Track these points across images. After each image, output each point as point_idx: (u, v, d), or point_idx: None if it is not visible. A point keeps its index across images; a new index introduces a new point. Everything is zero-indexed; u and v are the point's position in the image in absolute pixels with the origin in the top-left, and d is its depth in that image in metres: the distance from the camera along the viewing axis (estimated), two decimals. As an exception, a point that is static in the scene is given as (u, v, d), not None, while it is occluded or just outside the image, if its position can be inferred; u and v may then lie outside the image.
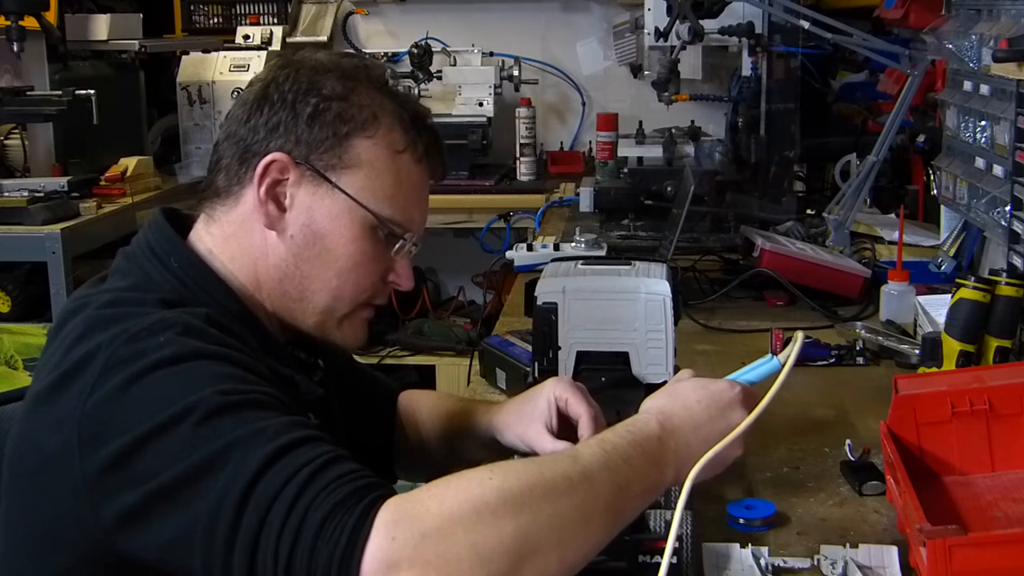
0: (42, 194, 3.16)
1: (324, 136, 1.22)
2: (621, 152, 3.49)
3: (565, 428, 1.36)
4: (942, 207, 2.54)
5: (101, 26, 3.83)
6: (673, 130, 3.62)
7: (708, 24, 2.66)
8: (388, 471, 1.56)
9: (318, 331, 1.29)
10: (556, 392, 1.37)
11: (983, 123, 2.22)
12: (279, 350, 1.27)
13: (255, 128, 1.24)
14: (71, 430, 1.05)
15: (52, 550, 1.10)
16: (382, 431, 1.55)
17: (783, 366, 1.29)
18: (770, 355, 1.32)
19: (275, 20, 4.29)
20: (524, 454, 1.37)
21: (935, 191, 2.66)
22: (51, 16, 3.44)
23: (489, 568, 0.93)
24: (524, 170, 4.02)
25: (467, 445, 1.47)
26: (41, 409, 1.11)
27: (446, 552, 0.92)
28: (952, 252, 2.49)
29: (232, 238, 1.26)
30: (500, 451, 1.43)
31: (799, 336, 1.29)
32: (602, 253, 2.57)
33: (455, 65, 4.16)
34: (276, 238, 1.24)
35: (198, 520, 0.97)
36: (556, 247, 2.63)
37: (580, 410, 1.35)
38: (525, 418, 1.38)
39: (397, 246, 1.28)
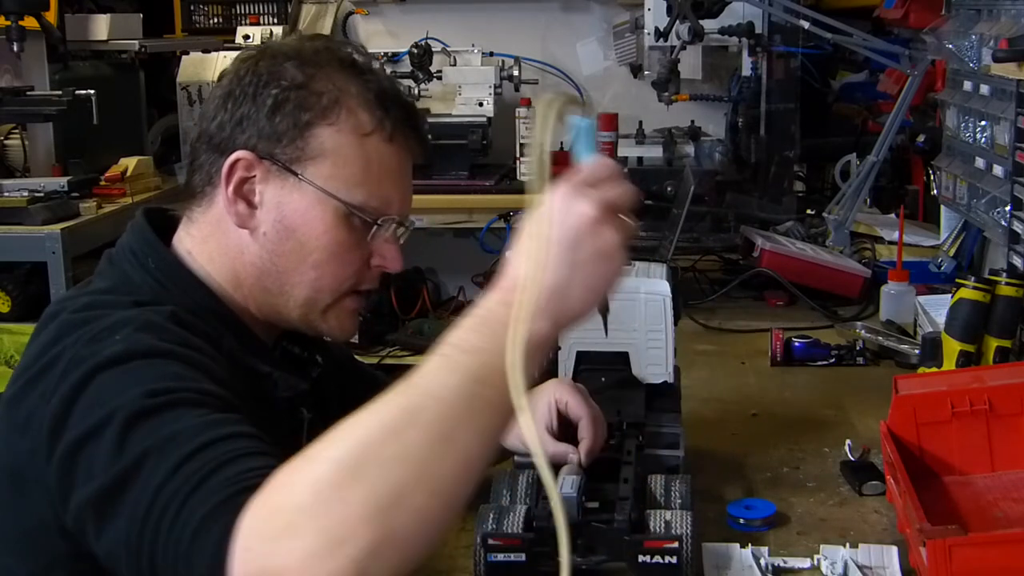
0: (42, 194, 3.16)
1: (286, 128, 1.20)
2: (621, 152, 3.49)
3: (566, 430, 1.36)
4: (942, 207, 2.54)
5: (101, 26, 3.83)
6: (673, 130, 3.62)
7: (708, 24, 2.66)
8: None
9: (304, 324, 1.27)
10: (556, 395, 1.37)
11: (983, 123, 2.21)
12: (259, 347, 1.25)
13: (222, 124, 1.22)
14: (38, 430, 1.06)
15: (36, 548, 1.10)
16: None
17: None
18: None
19: (275, 20, 4.28)
20: (524, 455, 1.37)
21: (935, 191, 2.66)
22: (51, 16, 3.44)
23: (349, 547, 0.83)
24: (524, 170, 4.01)
25: None
26: (12, 412, 1.12)
27: (299, 549, 0.83)
28: (952, 252, 2.49)
29: (210, 238, 1.25)
30: (500, 452, 1.43)
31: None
32: (602, 253, 2.56)
33: (455, 65, 4.16)
34: (249, 236, 1.22)
35: (119, 534, 0.96)
36: (556, 247, 2.62)
37: (580, 412, 1.35)
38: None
39: (375, 231, 1.24)
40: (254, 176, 1.20)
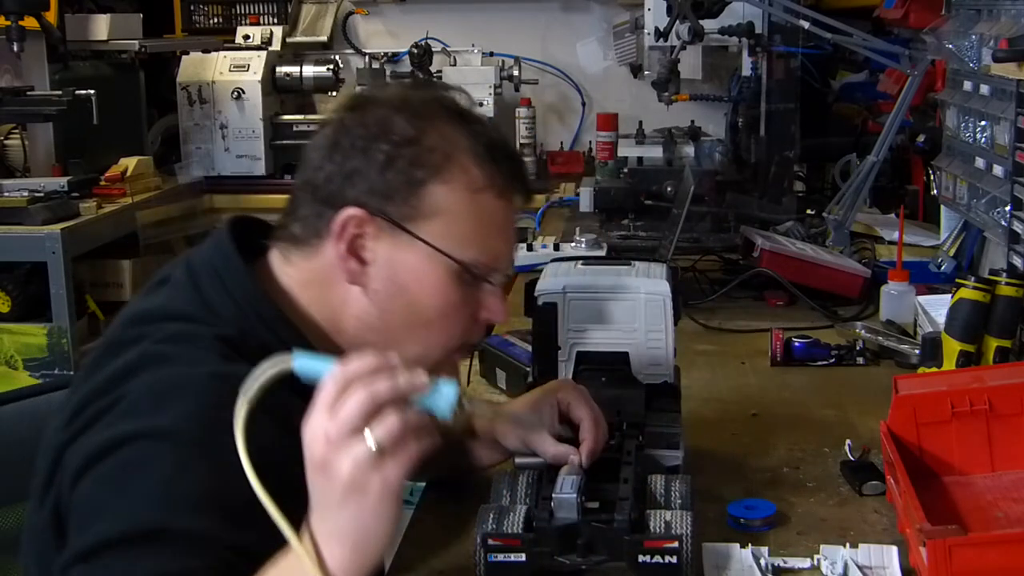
0: (42, 194, 3.16)
1: (398, 185, 1.16)
2: (621, 152, 3.49)
3: (567, 431, 1.36)
4: (942, 207, 2.54)
5: (101, 26, 3.83)
6: (673, 130, 3.62)
7: (708, 24, 2.66)
8: None
9: None
10: (559, 396, 1.37)
11: (983, 123, 2.22)
12: None
13: (330, 176, 1.18)
14: (71, 458, 1.07)
15: (47, 560, 1.11)
16: None
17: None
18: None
19: (275, 20, 4.29)
20: (525, 456, 1.37)
21: (935, 191, 2.66)
22: (51, 16, 3.44)
23: None
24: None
25: (470, 447, 1.47)
26: (68, 423, 1.11)
27: None
28: (952, 252, 2.49)
29: (310, 285, 1.21)
30: (503, 452, 1.43)
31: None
32: (602, 253, 2.57)
33: (455, 65, 4.16)
34: (359, 292, 1.19)
35: None
36: (556, 247, 2.63)
37: (582, 414, 1.35)
38: (527, 423, 1.38)
39: (485, 286, 1.22)
40: (366, 233, 1.17)
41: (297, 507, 0.98)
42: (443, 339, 1.22)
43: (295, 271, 1.22)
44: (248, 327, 1.16)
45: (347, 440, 0.92)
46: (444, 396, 0.97)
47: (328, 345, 1.20)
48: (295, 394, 1.08)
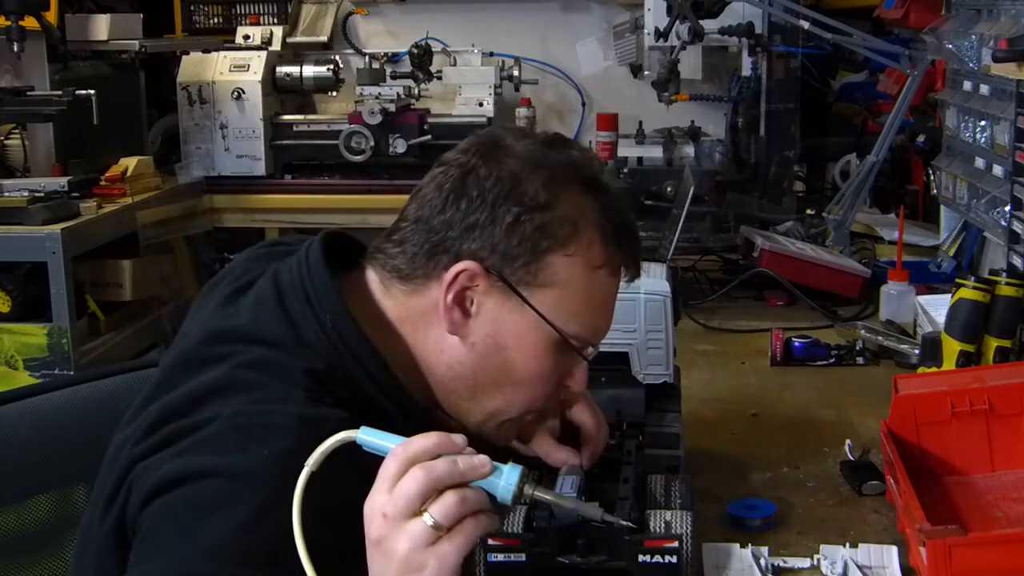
0: (42, 194, 3.16)
1: (522, 250, 1.14)
2: (621, 152, 3.49)
3: (568, 433, 1.36)
4: (942, 207, 2.54)
5: (101, 26, 3.83)
6: (673, 130, 3.62)
7: (708, 24, 2.66)
8: None
9: (476, 428, 1.21)
10: (560, 397, 1.37)
11: (983, 123, 2.22)
12: (417, 415, 1.19)
13: (450, 222, 1.15)
14: (139, 473, 1.06)
15: (106, 570, 1.10)
16: None
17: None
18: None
19: (275, 20, 4.29)
20: (524, 457, 1.37)
21: (935, 191, 2.66)
22: (51, 16, 3.44)
23: None
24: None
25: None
26: (143, 438, 1.09)
27: None
28: (952, 252, 2.49)
29: (407, 322, 1.19)
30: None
31: None
32: (602, 253, 2.56)
33: (455, 65, 4.16)
34: (457, 342, 1.17)
35: None
36: (556, 247, 2.63)
37: (583, 418, 1.34)
38: (529, 425, 1.38)
39: (578, 357, 1.21)
40: (476, 286, 1.15)
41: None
42: (527, 401, 1.21)
43: (393, 304, 1.19)
44: (336, 359, 1.14)
45: (405, 518, 0.93)
46: (506, 479, 0.97)
47: (415, 380, 1.19)
48: (392, 402, 1.13)
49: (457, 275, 1.14)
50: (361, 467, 0.99)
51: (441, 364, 1.19)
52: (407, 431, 1.02)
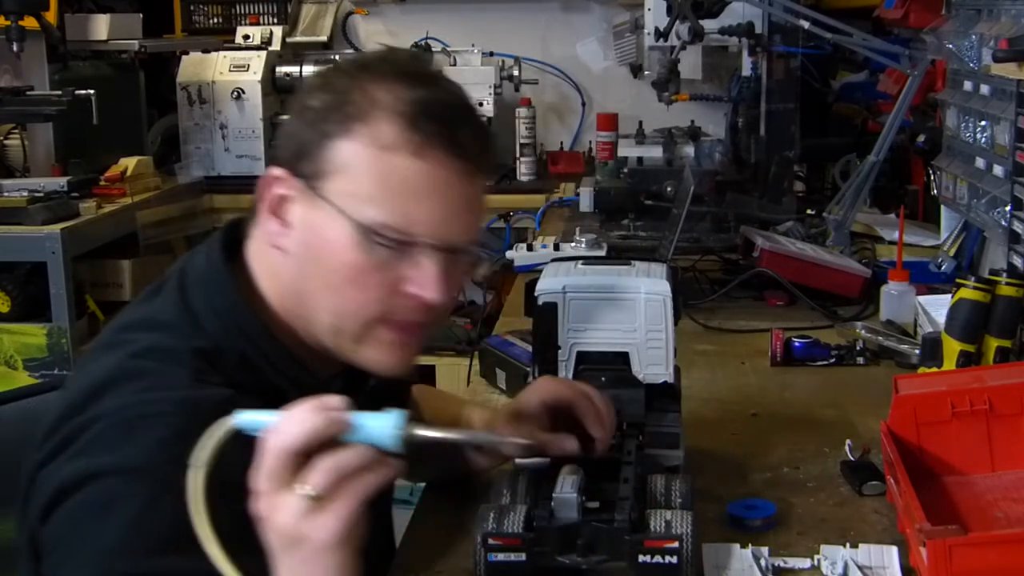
0: (42, 194, 3.16)
1: (311, 140, 1.13)
2: (621, 152, 3.49)
3: (568, 422, 1.35)
4: (942, 207, 2.54)
5: (101, 26, 3.83)
6: (673, 130, 3.62)
7: (708, 24, 2.66)
8: None
9: (341, 354, 1.19)
10: (542, 394, 1.36)
11: (983, 123, 2.22)
12: (315, 392, 1.15)
13: (277, 139, 1.18)
14: (39, 482, 1.07)
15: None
16: None
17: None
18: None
19: (275, 20, 4.29)
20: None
21: (935, 191, 2.66)
22: (51, 16, 3.44)
23: None
24: (524, 170, 4.02)
25: (467, 454, 1.47)
26: (45, 439, 1.11)
27: None
28: (952, 252, 2.49)
29: (259, 257, 1.20)
30: (501, 456, 1.43)
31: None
32: (602, 253, 2.57)
33: (455, 65, 4.16)
34: (282, 257, 1.17)
35: None
36: (556, 247, 2.63)
37: (567, 394, 1.33)
38: (520, 425, 1.37)
39: (401, 254, 1.14)
40: (289, 194, 1.15)
41: None
42: (354, 308, 1.15)
43: (254, 246, 1.21)
44: (228, 338, 1.15)
45: (276, 493, 0.92)
46: (383, 426, 0.94)
47: (290, 337, 1.18)
48: (283, 376, 1.13)
49: (267, 184, 1.15)
50: (252, 441, 0.99)
51: (284, 288, 1.18)
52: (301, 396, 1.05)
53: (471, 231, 1.18)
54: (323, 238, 1.13)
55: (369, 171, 1.12)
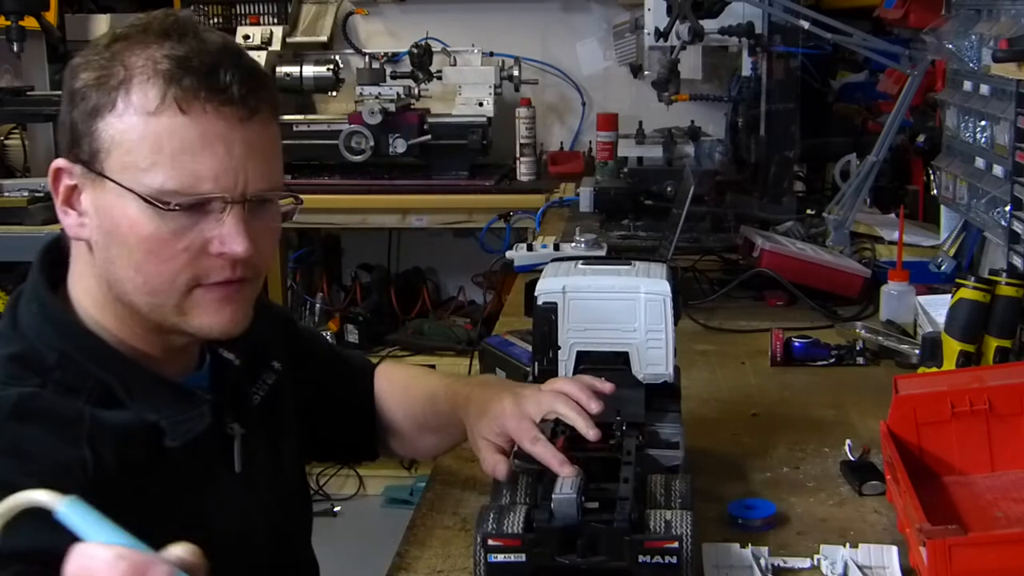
0: (42, 194, 3.16)
1: (81, 122, 1.12)
2: (621, 152, 3.49)
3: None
4: (942, 207, 2.54)
5: (101, 26, 3.83)
6: (673, 130, 3.62)
7: (708, 24, 2.66)
8: (370, 452, 1.57)
9: (174, 329, 1.17)
10: (506, 429, 1.34)
11: (983, 123, 2.22)
12: (149, 386, 1.17)
13: (59, 130, 1.16)
14: None
15: None
16: (366, 414, 1.54)
17: None
18: None
19: (275, 20, 4.29)
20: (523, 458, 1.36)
21: (935, 191, 2.66)
22: (51, 16, 3.45)
23: None
24: (524, 170, 4.02)
25: (437, 434, 1.49)
26: None
27: None
28: (952, 252, 2.49)
29: (73, 259, 1.19)
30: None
31: None
32: (602, 253, 2.57)
33: (455, 65, 4.16)
34: (86, 248, 1.16)
35: None
36: (556, 247, 2.63)
37: (562, 412, 1.32)
38: (479, 435, 1.37)
39: (196, 215, 1.12)
40: (75, 184, 1.14)
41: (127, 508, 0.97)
42: (162, 281, 1.13)
43: (71, 259, 1.20)
44: (41, 338, 1.15)
45: None
46: None
47: (111, 333, 1.18)
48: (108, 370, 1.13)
49: (54, 177, 1.15)
50: (52, 425, 1.05)
51: (99, 281, 1.16)
52: (136, 401, 1.11)
53: (266, 176, 1.15)
54: (115, 219, 1.12)
55: (141, 139, 1.10)
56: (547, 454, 1.27)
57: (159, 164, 1.09)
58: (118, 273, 1.14)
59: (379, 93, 3.87)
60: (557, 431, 1.35)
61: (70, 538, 0.95)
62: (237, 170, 1.12)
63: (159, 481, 1.14)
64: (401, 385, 1.56)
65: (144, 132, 1.10)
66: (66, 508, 0.82)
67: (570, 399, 1.33)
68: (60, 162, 1.15)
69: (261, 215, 1.17)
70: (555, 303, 1.45)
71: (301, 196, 1.24)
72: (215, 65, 1.11)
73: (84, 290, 1.19)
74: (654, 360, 1.44)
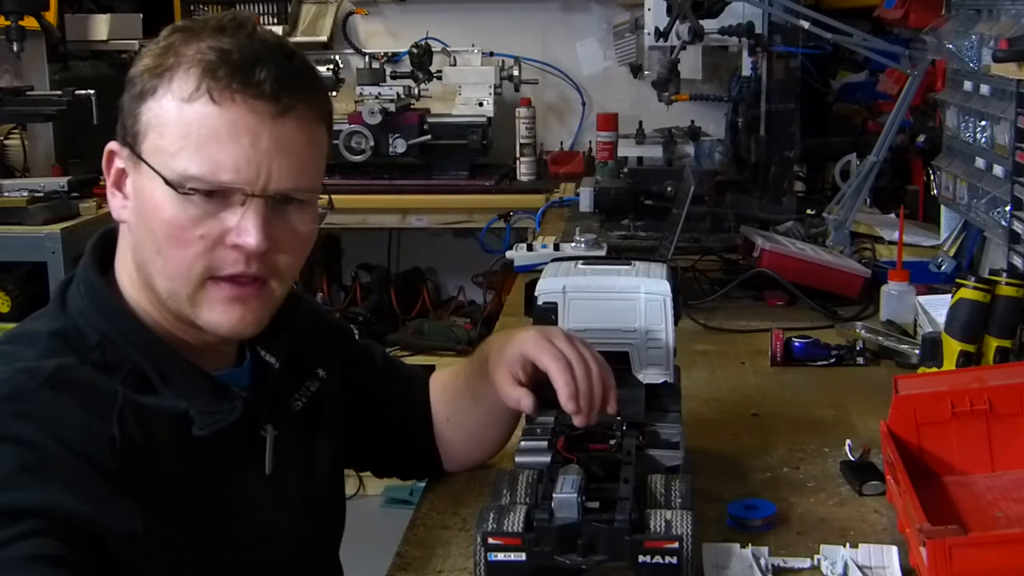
0: (42, 194, 3.17)
1: (127, 105, 1.16)
2: (621, 152, 3.49)
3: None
4: (942, 207, 2.54)
5: (101, 26, 3.83)
6: (673, 130, 3.62)
7: (708, 24, 2.66)
8: (429, 460, 1.52)
9: (189, 322, 1.18)
10: (524, 351, 1.36)
11: (983, 123, 2.22)
12: (182, 374, 1.19)
13: (119, 115, 1.20)
14: None
15: None
16: (423, 420, 1.51)
17: None
18: None
19: (275, 20, 4.29)
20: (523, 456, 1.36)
21: (935, 191, 2.66)
22: (51, 16, 3.45)
23: None
24: (524, 170, 4.02)
25: (477, 404, 1.47)
26: None
27: None
28: (952, 252, 2.49)
29: (120, 244, 1.23)
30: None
31: None
32: (602, 253, 2.57)
33: (455, 65, 4.16)
34: (127, 229, 1.19)
35: None
36: (556, 247, 2.63)
37: (545, 361, 1.33)
38: (500, 364, 1.38)
39: (215, 203, 1.13)
40: (125, 166, 1.18)
41: (143, 489, 1.06)
42: (180, 267, 1.15)
43: (119, 244, 1.23)
44: (86, 318, 1.17)
45: None
46: None
47: (153, 320, 1.19)
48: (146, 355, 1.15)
49: (106, 160, 1.18)
50: (86, 397, 1.08)
51: (136, 265, 1.19)
52: (169, 388, 1.14)
53: (294, 176, 1.16)
54: (144, 200, 1.15)
55: (174, 124, 1.13)
56: (560, 379, 1.29)
57: (185, 149, 1.12)
58: (144, 255, 1.17)
59: (379, 93, 3.87)
60: (557, 431, 1.35)
61: (88, 504, 0.98)
62: (260, 164, 1.13)
63: (186, 469, 1.15)
64: (440, 382, 1.54)
65: (177, 118, 1.13)
66: None
67: (574, 372, 1.32)
68: (113, 145, 1.19)
69: (286, 215, 1.17)
70: (555, 303, 1.45)
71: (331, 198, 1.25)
72: (255, 60, 1.14)
73: (127, 274, 1.21)
74: (654, 360, 1.44)
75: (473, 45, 4.22)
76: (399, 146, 3.84)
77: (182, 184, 1.12)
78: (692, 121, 3.68)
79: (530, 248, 2.68)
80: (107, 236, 1.26)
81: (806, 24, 2.58)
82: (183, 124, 1.12)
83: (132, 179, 1.17)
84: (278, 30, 4.19)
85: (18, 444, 1.03)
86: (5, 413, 1.05)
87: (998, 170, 2.11)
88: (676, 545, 1.14)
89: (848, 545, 1.27)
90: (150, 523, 1.08)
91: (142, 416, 1.12)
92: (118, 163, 1.19)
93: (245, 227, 1.13)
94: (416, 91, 4.03)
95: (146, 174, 1.14)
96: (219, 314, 1.17)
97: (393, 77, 4.01)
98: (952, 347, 1.66)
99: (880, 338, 2.02)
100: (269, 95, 1.13)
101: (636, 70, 4.15)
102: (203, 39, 1.15)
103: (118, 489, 1.06)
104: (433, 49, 4.08)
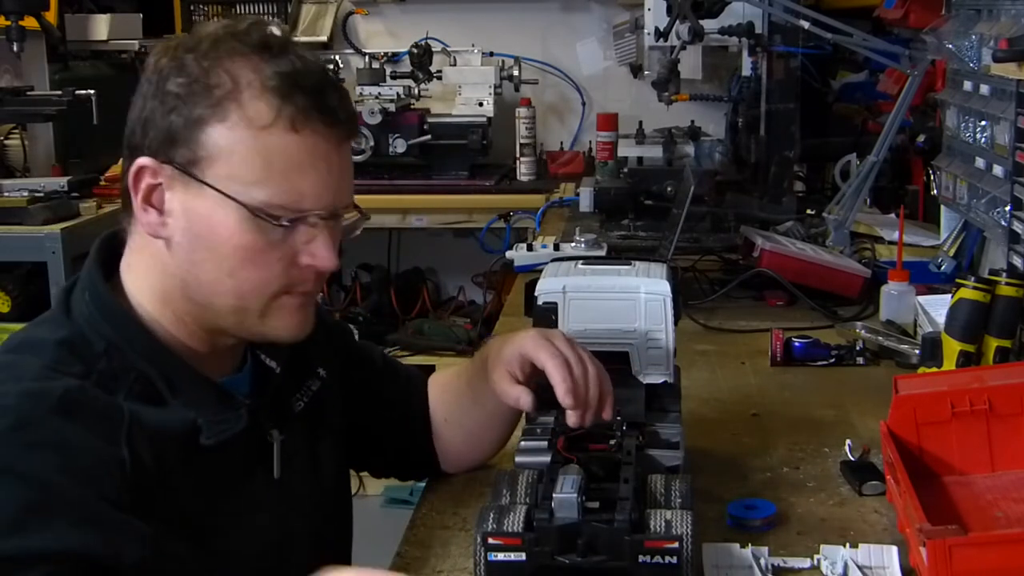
0: (42, 194, 3.16)
1: (180, 127, 1.13)
2: (621, 152, 3.49)
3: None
4: (942, 207, 2.54)
5: (101, 26, 3.83)
6: (673, 130, 3.62)
7: (708, 24, 2.66)
8: (427, 460, 1.53)
9: (243, 332, 1.21)
10: (523, 350, 1.36)
11: (983, 123, 2.21)
12: (193, 384, 1.19)
13: (132, 127, 1.17)
14: None
15: None
16: (421, 420, 1.52)
17: None
18: None
19: (275, 20, 4.29)
20: (523, 456, 1.36)
21: (935, 191, 2.66)
22: (51, 16, 3.45)
23: None
24: (524, 170, 4.02)
25: (476, 405, 1.47)
26: None
27: None
28: (952, 252, 2.49)
29: (137, 252, 1.20)
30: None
31: None
32: (602, 253, 2.57)
33: (455, 65, 4.16)
34: (164, 247, 1.17)
35: None
36: (556, 247, 2.63)
37: (542, 358, 1.33)
38: (499, 364, 1.38)
39: (292, 230, 1.15)
40: (160, 183, 1.15)
41: (149, 508, 1.06)
42: (255, 288, 1.16)
43: (131, 241, 1.21)
44: (91, 325, 1.16)
45: None
46: None
47: (165, 332, 1.19)
48: (153, 365, 1.14)
49: (137, 175, 1.15)
50: (94, 421, 1.07)
51: (172, 279, 1.18)
52: (177, 397, 1.13)
53: (350, 194, 1.21)
54: (210, 224, 1.14)
55: (250, 153, 1.12)
56: (557, 375, 1.30)
57: (266, 180, 1.13)
58: (203, 276, 1.16)
59: (379, 93, 3.87)
60: (557, 431, 1.35)
61: (97, 539, 0.98)
62: (332, 188, 1.16)
63: (195, 479, 1.15)
64: (440, 384, 1.55)
65: (255, 146, 1.12)
66: None
67: (572, 371, 1.33)
68: (146, 161, 1.15)
69: (338, 229, 1.21)
70: (555, 303, 1.45)
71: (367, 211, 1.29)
72: (322, 86, 1.16)
73: (146, 285, 1.20)
74: (654, 360, 1.44)
75: (473, 45, 4.22)
76: (399, 146, 3.85)
77: (263, 211, 1.13)
78: (692, 121, 3.68)
79: (530, 248, 2.68)
80: (111, 240, 1.24)
81: (806, 24, 2.58)
82: (262, 153, 1.12)
83: (180, 199, 1.15)
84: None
85: (24, 481, 1.02)
86: (13, 444, 1.04)
87: (998, 170, 2.11)
88: (676, 545, 1.14)
89: (848, 545, 1.27)
90: (161, 538, 1.07)
91: (149, 432, 1.11)
92: (150, 179, 1.15)
93: (321, 252, 1.17)
94: (416, 91, 4.03)
95: (212, 198, 1.13)
96: (286, 321, 1.20)
97: (393, 77, 4.01)
98: (952, 347, 1.66)
99: (880, 338, 2.02)
100: (343, 121, 1.17)
101: (636, 70, 4.15)
102: (251, 58, 1.13)
103: (128, 511, 1.06)
104: (433, 49, 4.08)
